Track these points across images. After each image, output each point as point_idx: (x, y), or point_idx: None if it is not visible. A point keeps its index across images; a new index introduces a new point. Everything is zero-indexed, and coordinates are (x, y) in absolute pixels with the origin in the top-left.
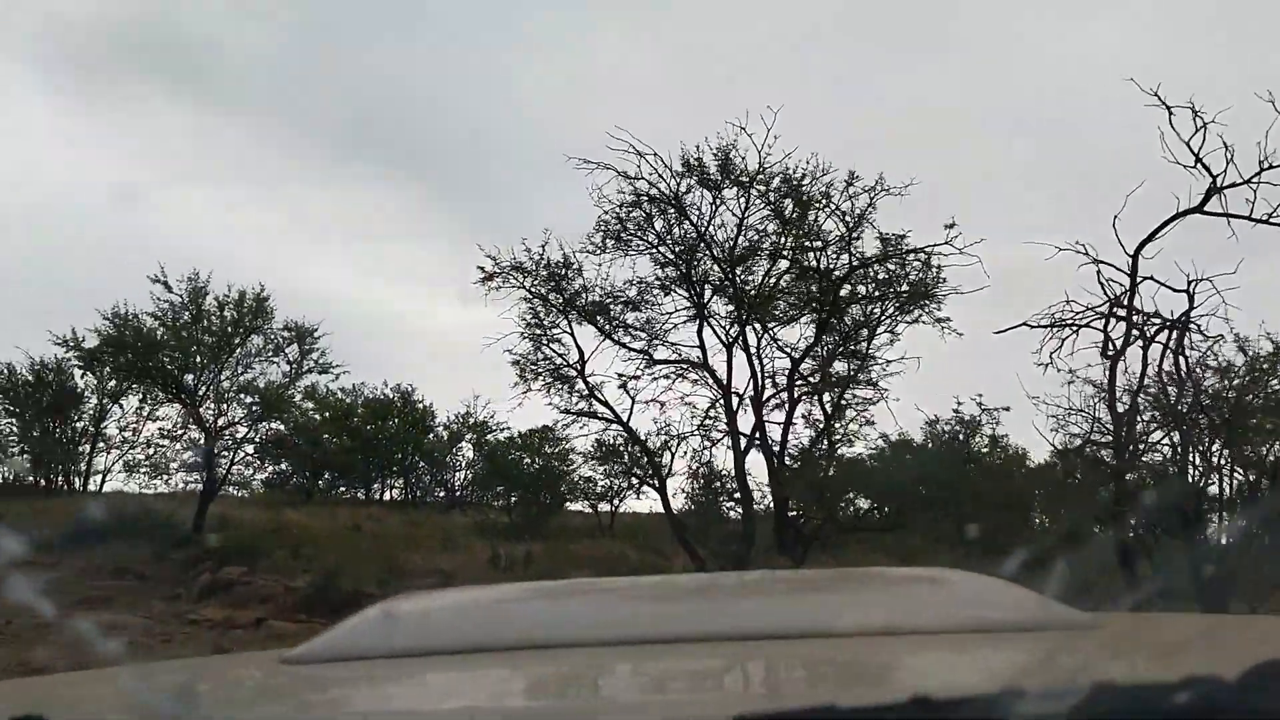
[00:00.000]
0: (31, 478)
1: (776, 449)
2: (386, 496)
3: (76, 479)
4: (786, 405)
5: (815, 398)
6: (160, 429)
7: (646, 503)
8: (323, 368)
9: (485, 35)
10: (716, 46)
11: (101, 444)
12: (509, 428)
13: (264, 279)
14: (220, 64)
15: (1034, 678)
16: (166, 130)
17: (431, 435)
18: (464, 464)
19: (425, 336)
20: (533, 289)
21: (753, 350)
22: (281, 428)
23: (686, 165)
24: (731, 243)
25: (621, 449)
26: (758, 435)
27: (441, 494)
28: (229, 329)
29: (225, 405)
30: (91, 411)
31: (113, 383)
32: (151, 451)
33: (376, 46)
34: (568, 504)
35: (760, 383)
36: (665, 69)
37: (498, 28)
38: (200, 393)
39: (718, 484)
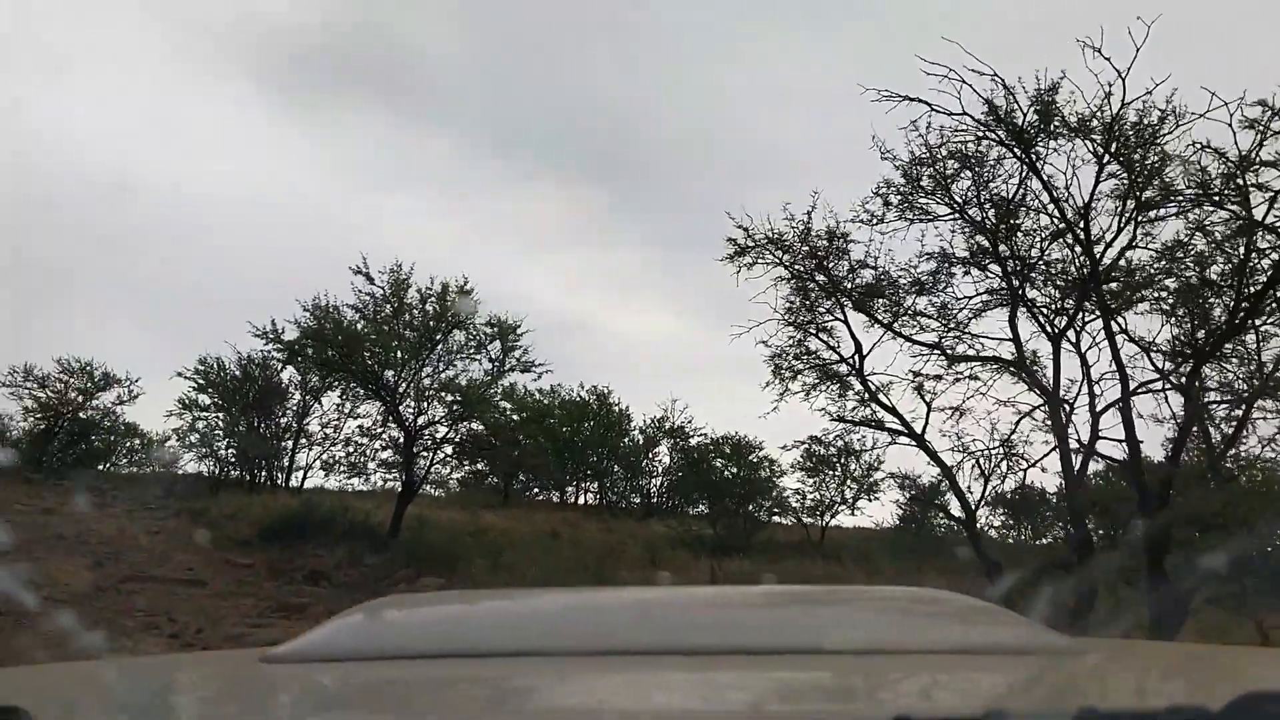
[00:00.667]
0: (237, 472)
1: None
2: (581, 500)
3: (279, 475)
4: (1174, 415)
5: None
6: (360, 426)
7: (855, 518)
8: (524, 366)
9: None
10: None
11: (304, 440)
12: (705, 433)
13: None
14: (423, 74)
15: (1016, 701)
16: (367, 138)
17: (627, 439)
18: (660, 470)
19: (619, 338)
20: (792, 267)
21: (1094, 343)
22: (480, 427)
23: (1036, 101)
24: (1083, 205)
25: (834, 460)
26: (1120, 454)
27: (637, 500)
28: (431, 323)
29: (425, 403)
30: (295, 407)
31: (315, 379)
32: (350, 449)
33: (570, 56)
34: (775, 517)
35: (1125, 386)
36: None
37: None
38: (400, 390)
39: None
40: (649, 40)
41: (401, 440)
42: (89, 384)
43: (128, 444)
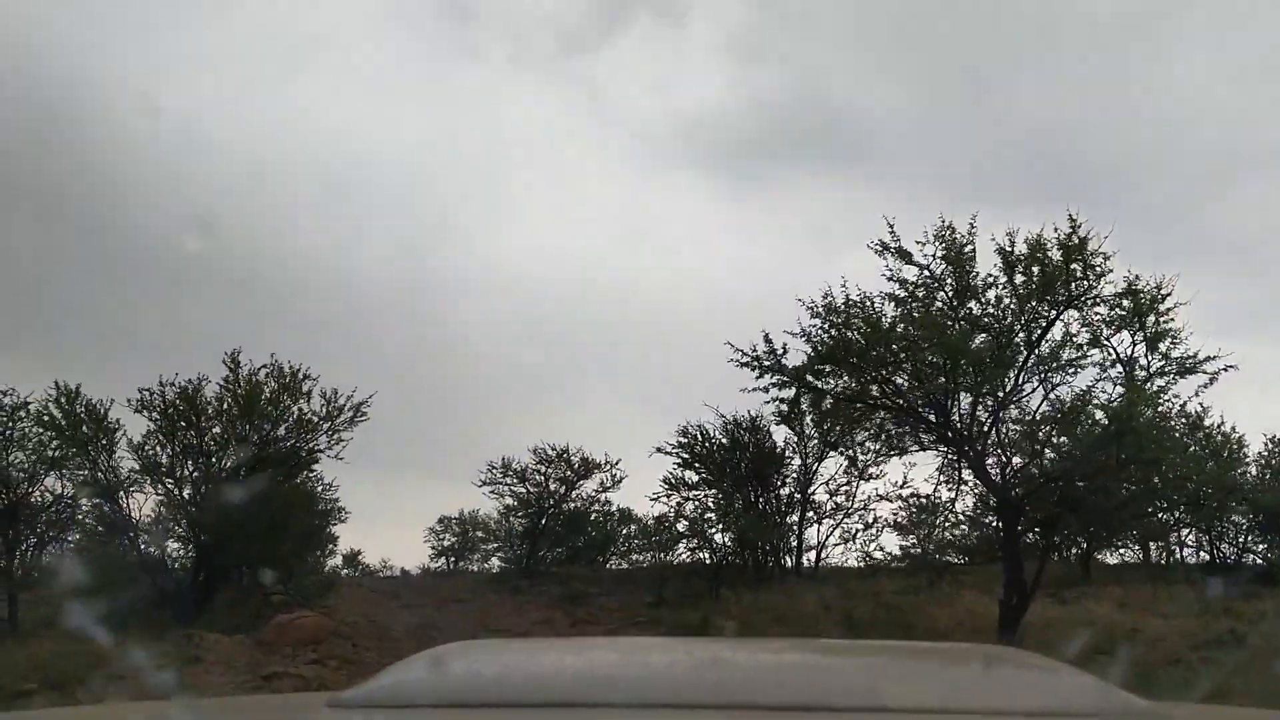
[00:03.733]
0: (738, 559)
1: None
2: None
3: (787, 558)
4: None
5: None
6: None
7: None
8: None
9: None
10: None
11: (810, 512)
12: None
13: None
14: (862, 135)
15: None
16: (812, 206)
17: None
18: None
19: None
20: None
21: None
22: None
23: None
24: None
25: None
26: None
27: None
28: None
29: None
30: (795, 474)
31: (816, 437)
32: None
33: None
34: None
35: None
36: None
37: None
38: (958, 425)
39: None
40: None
41: (993, 504)
42: (569, 472)
43: (623, 532)
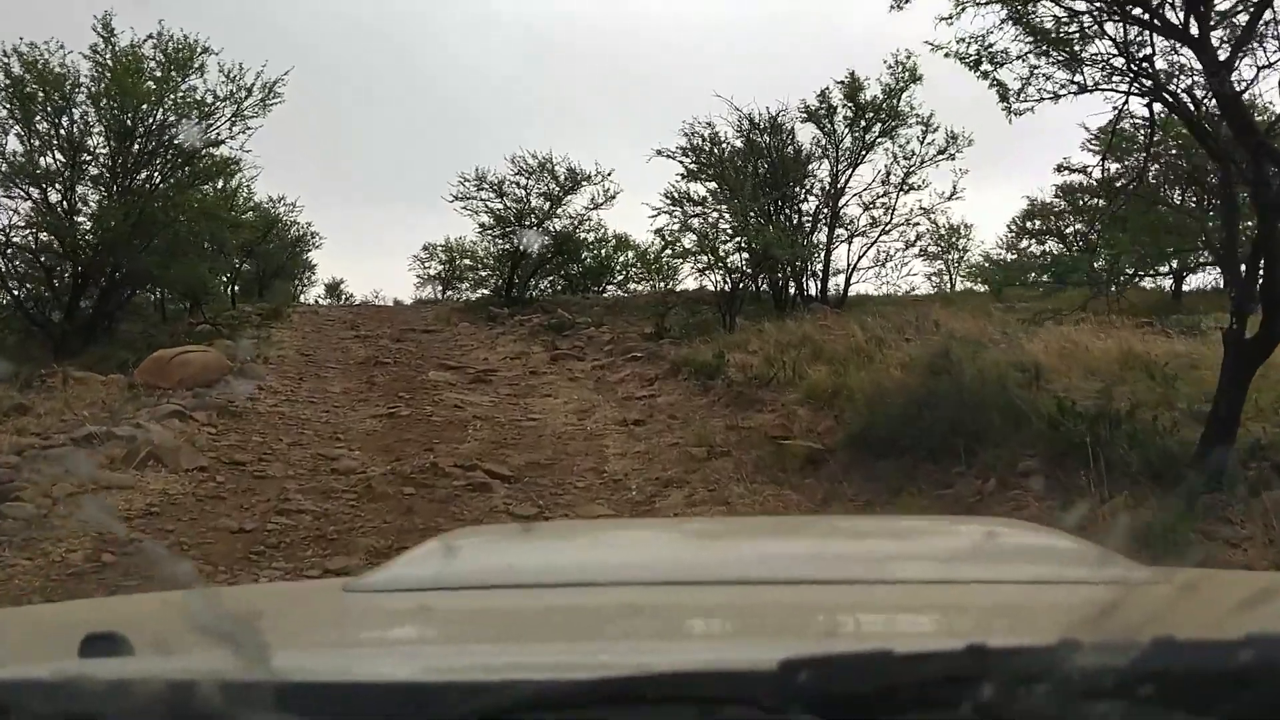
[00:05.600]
0: (755, 284)
1: None
2: None
3: (811, 283)
4: None
5: None
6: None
7: None
8: None
9: None
10: None
11: (840, 229)
12: None
13: None
14: None
15: (1091, 631)
16: None
17: None
18: None
19: None
20: None
21: None
22: None
23: None
24: None
25: None
26: None
27: None
28: None
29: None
30: (823, 185)
31: (845, 135)
32: (915, 236)
33: None
34: None
35: None
36: None
37: None
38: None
39: None
40: None
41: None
42: (554, 185)
43: (620, 259)
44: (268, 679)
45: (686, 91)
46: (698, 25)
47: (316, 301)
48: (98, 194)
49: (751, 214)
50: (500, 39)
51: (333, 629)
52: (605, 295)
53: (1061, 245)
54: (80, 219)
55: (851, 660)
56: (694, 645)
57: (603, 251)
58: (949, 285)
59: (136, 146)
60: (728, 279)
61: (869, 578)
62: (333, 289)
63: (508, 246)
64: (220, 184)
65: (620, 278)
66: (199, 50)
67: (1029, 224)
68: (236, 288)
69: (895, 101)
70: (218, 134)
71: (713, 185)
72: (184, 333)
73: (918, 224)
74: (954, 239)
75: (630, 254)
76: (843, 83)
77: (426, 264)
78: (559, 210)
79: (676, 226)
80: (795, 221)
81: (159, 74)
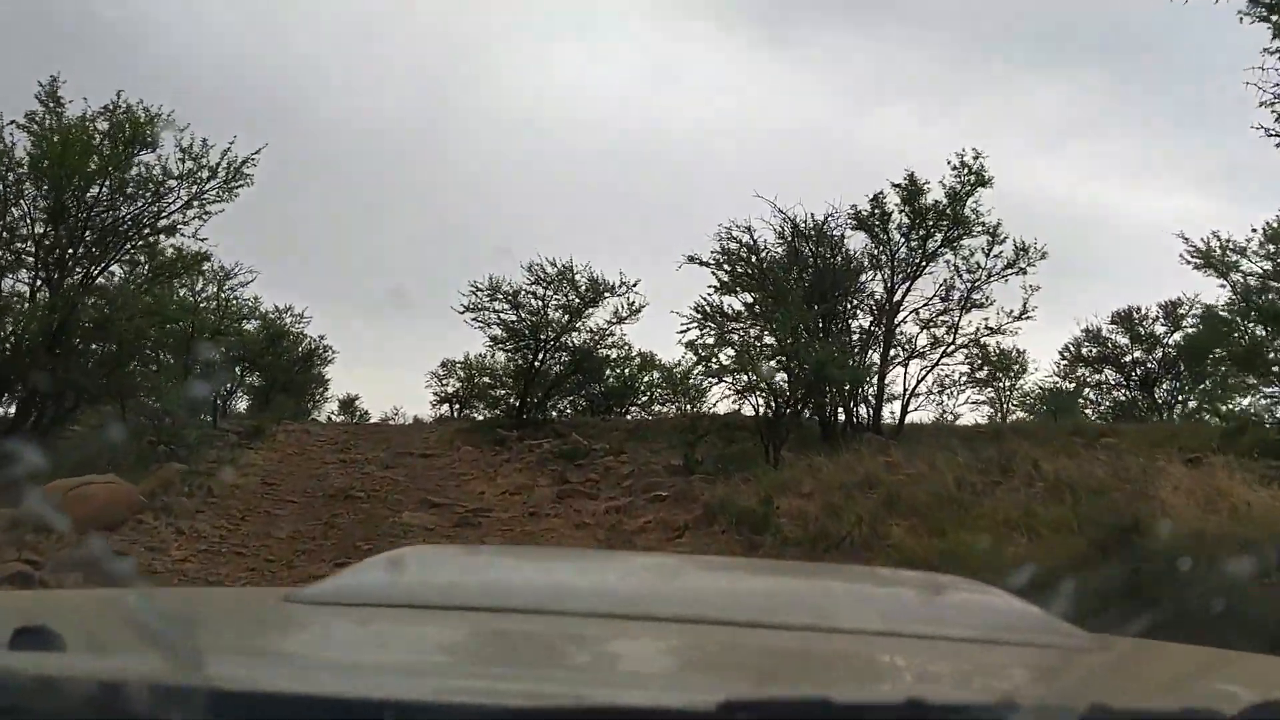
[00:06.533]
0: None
1: None
2: None
3: (862, 409)
4: None
5: None
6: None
7: None
8: None
9: None
10: None
11: (896, 349)
12: None
13: None
14: None
15: (1030, 692)
16: (847, 61)
17: None
18: None
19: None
20: None
21: None
22: None
23: None
24: None
25: None
26: None
27: None
28: None
29: None
30: (875, 300)
31: (901, 244)
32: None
33: None
34: None
35: None
36: None
37: None
38: None
39: None
40: None
41: None
42: (574, 296)
43: (644, 379)
44: (199, 684)
45: (717, 198)
46: (732, 132)
47: (328, 418)
48: (26, 285)
49: (801, 329)
50: (520, 143)
51: (270, 638)
52: (628, 418)
53: (1119, 374)
54: None
55: (790, 705)
56: (633, 680)
57: (626, 370)
58: (1000, 414)
59: (73, 232)
60: (771, 403)
61: (815, 624)
62: (346, 405)
63: (521, 363)
64: (195, 284)
65: (644, 398)
66: (157, 122)
67: (1084, 350)
68: (230, 403)
69: (960, 207)
70: (171, 220)
71: (749, 298)
72: (134, 454)
73: (985, 345)
74: (1007, 364)
75: (655, 374)
76: (899, 185)
77: (445, 380)
78: (579, 324)
79: (711, 340)
80: (846, 339)
81: (106, 150)
